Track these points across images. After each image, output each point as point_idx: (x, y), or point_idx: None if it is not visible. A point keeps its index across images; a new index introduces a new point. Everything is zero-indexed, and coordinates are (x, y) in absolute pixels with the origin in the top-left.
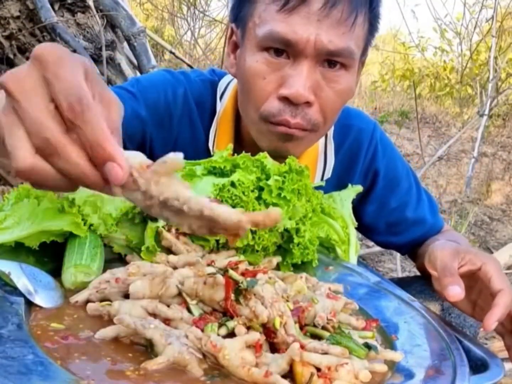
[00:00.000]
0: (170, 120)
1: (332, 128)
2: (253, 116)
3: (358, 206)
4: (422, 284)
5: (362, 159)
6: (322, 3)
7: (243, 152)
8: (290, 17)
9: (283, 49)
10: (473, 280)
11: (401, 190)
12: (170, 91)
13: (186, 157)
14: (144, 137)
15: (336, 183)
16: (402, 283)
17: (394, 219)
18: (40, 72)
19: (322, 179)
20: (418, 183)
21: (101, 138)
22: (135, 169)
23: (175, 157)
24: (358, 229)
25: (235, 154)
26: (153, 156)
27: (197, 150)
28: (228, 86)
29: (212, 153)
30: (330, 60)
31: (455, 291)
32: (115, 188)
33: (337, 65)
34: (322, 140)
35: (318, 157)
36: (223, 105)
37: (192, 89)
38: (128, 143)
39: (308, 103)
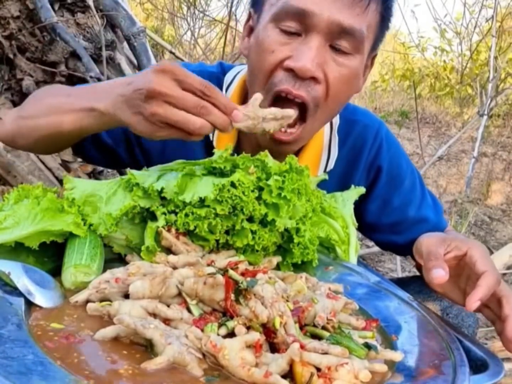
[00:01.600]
0: None
1: (338, 121)
2: (259, 91)
3: (361, 204)
4: (421, 284)
5: (366, 155)
6: None
7: (247, 144)
8: None
9: (295, 25)
10: (460, 268)
11: (405, 189)
12: None
13: (183, 150)
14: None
15: (341, 178)
16: (401, 283)
17: (396, 217)
18: (171, 77)
19: (325, 171)
20: (422, 183)
21: (226, 100)
22: (242, 109)
23: (258, 95)
24: (360, 228)
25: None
26: (141, 141)
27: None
28: (234, 78)
29: (214, 144)
30: (341, 40)
31: (439, 273)
32: (237, 123)
33: (347, 48)
34: (328, 132)
35: (323, 149)
36: (229, 97)
37: None
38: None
39: (315, 79)
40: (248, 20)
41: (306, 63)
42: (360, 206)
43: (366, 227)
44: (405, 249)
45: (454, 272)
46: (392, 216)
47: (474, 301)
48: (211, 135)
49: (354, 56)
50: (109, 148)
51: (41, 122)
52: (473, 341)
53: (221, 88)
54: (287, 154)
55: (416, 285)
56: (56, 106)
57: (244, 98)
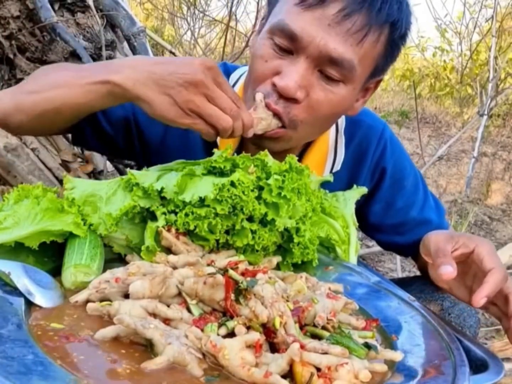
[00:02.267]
0: None
1: (344, 122)
2: (249, 94)
3: (365, 204)
4: (422, 284)
5: (371, 156)
6: (337, 9)
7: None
8: (303, 13)
9: (287, 43)
10: (467, 265)
11: (408, 191)
12: None
13: (181, 147)
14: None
15: (347, 179)
16: (402, 283)
17: (399, 218)
18: (213, 76)
19: (331, 172)
20: (425, 185)
21: (248, 115)
22: (253, 113)
23: (261, 95)
24: (363, 228)
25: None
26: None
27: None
28: (239, 78)
29: (217, 143)
30: (330, 68)
31: (447, 270)
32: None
33: (336, 76)
34: (333, 133)
35: (329, 150)
36: None
37: None
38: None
39: (294, 100)
40: (262, 19)
41: (289, 83)
42: (364, 207)
43: (369, 228)
44: (407, 250)
45: (461, 269)
46: (395, 218)
47: (480, 297)
48: None
49: (343, 84)
50: (108, 136)
51: (47, 95)
52: (473, 341)
53: None
54: (272, 151)
55: (418, 285)
56: (65, 80)
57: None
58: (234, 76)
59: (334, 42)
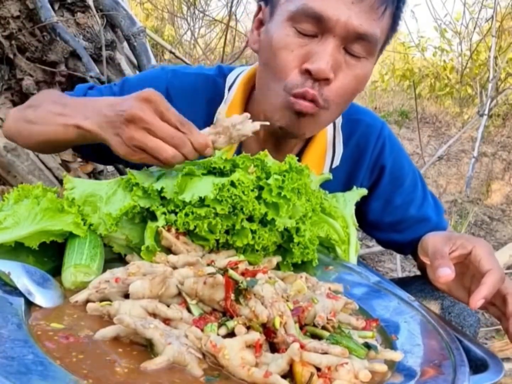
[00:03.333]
0: None
1: (341, 119)
2: (276, 88)
3: (364, 202)
4: (422, 284)
5: (370, 154)
6: None
7: (248, 146)
8: None
9: (312, 27)
10: (465, 266)
11: (406, 188)
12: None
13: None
14: None
15: (346, 176)
16: (402, 282)
17: (398, 216)
18: (153, 107)
19: (331, 168)
20: (424, 184)
21: (200, 137)
22: (210, 130)
23: (222, 110)
24: (363, 226)
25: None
26: None
27: None
28: (236, 79)
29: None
30: (355, 44)
31: (445, 272)
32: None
33: (361, 52)
34: (331, 130)
35: (327, 146)
36: (232, 96)
37: (177, 83)
38: None
39: (326, 80)
40: (258, 13)
41: (322, 65)
42: (363, 205)
43: (368, 225)
44: (406, 248)
45: (459, 270)
46: (394, 215)
47: (478, 299)
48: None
49: (366, 59)
50: (104, 150)
51: (38, 129)
52: (473, 341)
53: (219, 90)
54: (297, 136)
55: (418, 284)
56: (51, 117)
57: (247, 97)
58: (229, 79)
59: (359, 18)
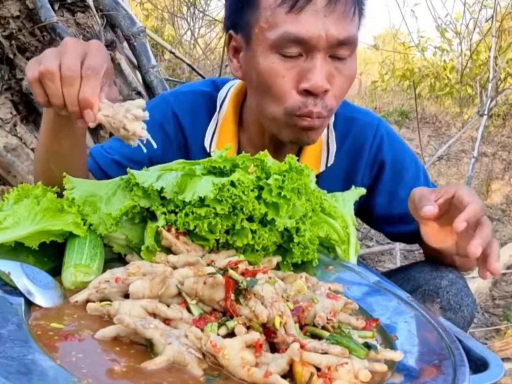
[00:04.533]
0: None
1: (333, 118)
2: (275, 112)
3: (368, 199)
4: (421, 266)
5: (367, 152)
6: (327, 0)
7: (248, 148)
8: (299, 17)
9: (296, 49)
10: (451, 214)
11: (409, 180)
12: (159, 115)
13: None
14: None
15: (344, 175)
16: (401, 268)
17: (404, 209)
18: (85, 47)
19: (326, 166)
20: (426, 176)
21: (91, 90)
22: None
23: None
24: (372, 223)
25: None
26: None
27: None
28: (227, 94)
29: (213, 148)
30: (339, 49)
31: (428, 208)
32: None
33: (345, 54)
34: (325, 129)
35: (322, 146)
36: (225, 109)
37: (180, 104)
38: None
39: (325, 91)
40: (229, 41)
41: (318, 81)
42: (368, 201)
43: (377, 221)
44: (414, 237)
45: (446, 220)
46: (400, 208)
47: (460, 221)
48: (208, 141)
49: (351, 58)
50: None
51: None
52: (473, 341)
53: (215, 106)
54: (308, 144)
55: (417, 267)
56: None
57: (238, 112)
58: (222, 93)
59: (336, 27)
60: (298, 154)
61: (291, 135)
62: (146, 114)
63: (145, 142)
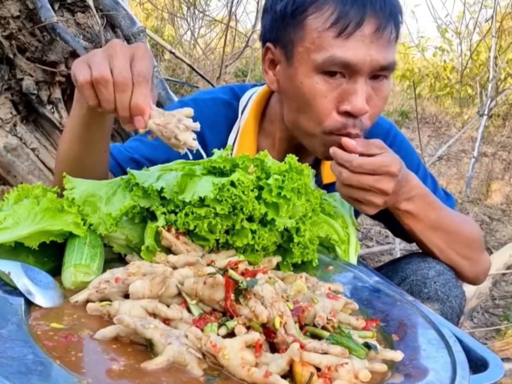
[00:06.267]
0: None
1: None
2: (313, 129)
3: None
4: (409, 257)
5: None
6: (375, 27)
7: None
8: (347, 42)
9: (340, 71)
10: None
11: None
12: None
13: None
14: None
15: None
16: (393, 261)
17: None
18: (133, 51)
19: None
20: (433, 178)
21: (143, 97)
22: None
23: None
24: (385, 222)
25: None
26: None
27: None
28: (248, 101)
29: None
30: (379, 73)
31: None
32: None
33: (382, 76)
34: None
35: None
36: (245, 118)
37: (200, 111)
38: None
39: (364, 113)
40: (266, 53)
41: (359, 104)
42: None
43: (387, 219)
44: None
45: None
46: None
47: (352, 143)
48: (231, 140)
49: (386, 79)
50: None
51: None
52: (473, 341)
53: (234, 114)
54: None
55: (406, 258)
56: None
57: (259, 119)
58: (242, 101)
59: (380, 54)
60: (318, 161)
61: (327, 152)
62: (198, 125)
63: (194, 152)
